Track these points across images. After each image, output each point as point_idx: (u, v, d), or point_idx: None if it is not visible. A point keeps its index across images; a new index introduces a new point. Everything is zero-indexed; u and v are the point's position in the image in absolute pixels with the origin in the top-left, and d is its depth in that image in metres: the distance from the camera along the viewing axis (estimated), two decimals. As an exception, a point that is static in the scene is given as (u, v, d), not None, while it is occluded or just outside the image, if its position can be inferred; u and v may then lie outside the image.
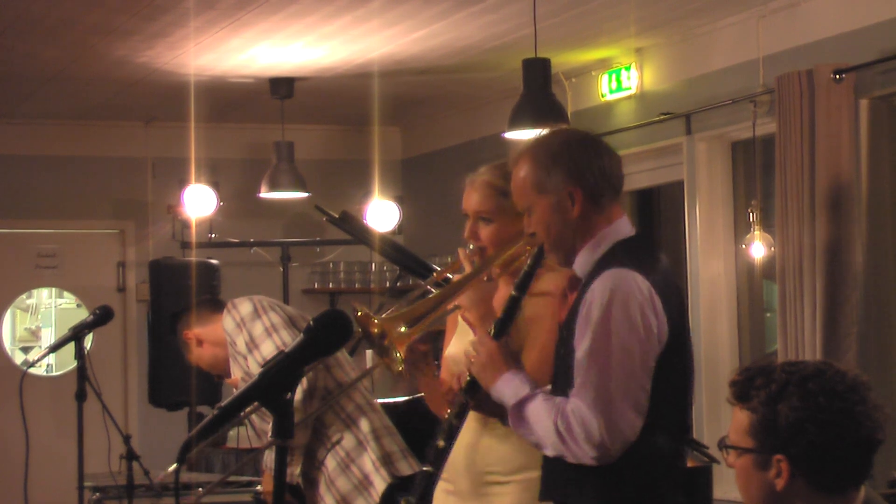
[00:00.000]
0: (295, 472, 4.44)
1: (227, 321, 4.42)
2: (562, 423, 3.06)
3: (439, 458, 3.36)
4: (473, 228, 3.70)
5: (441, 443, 3.35)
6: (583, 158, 3.19)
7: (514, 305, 3.29)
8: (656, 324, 3.07)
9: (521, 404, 3.14)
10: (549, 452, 3.13)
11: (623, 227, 3.22)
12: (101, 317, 4.32)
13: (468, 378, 3.31)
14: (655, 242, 3.32)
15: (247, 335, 4.34)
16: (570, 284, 3.34)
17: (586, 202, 3.17)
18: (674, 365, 3.14)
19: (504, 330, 3.28)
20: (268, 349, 4.29)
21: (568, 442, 3.06)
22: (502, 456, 3.64)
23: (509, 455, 3.58)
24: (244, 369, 4.39)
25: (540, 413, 3.11)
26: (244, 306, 4.42)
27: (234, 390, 4.28)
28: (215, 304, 4.55)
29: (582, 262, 3.21)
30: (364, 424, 4.50)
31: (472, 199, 3.77)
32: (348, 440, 4.46)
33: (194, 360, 4.55)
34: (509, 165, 3.38)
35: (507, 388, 3.17)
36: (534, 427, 3.12)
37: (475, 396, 3.31)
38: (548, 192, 3.19)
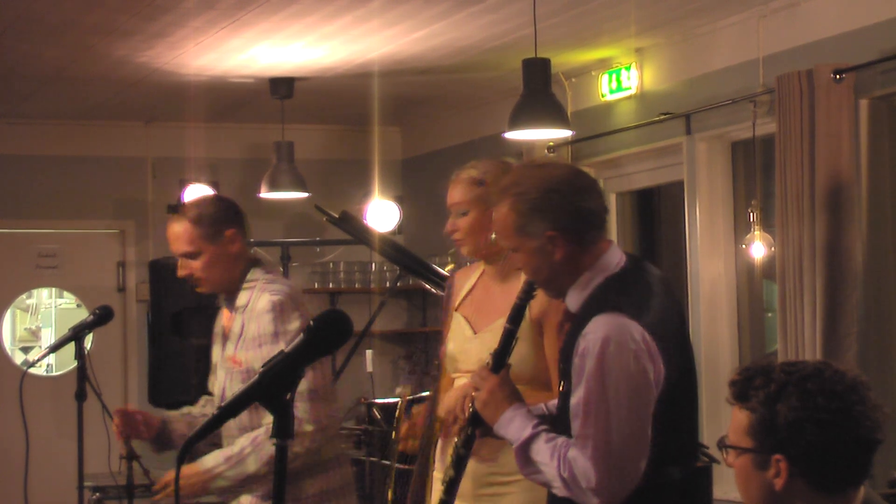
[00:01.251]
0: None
1: (268, 319, 4.08)
2: (565, 471, 3.07)
3: (451, 488, 3.40)
4: (453, 222, 3.90)
5: (451, 472, 3.40)
6: (562, 204, 3.16)
7: (509, 338, 3.32)
8: (653, 369, 3.05)
9: (525, 446, 3.15)
10: (558, 493, 3.13)
11: (611, 259, 3.19)
12: (102, 317, 4.30)
13: (471, 409, 3.34)
14: (645, 271, 3.23)
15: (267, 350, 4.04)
16: (564, 317, 3.38)
17: (569, 244, 3.16)
18: (678, 400, 3.13)
19: (502, 363, 3.30)
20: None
21: (573, 488, 3.07)
22: (504, 457, 3.65)
23: (511, 456, 3.59)
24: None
25: (545, 456, 3.11)
26: (294, 322, 4.07)
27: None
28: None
29: (573, 301, 3.21)
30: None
31: (453, 194, 3.94)
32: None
33: (204, 255, 4.12)
34: (493, 184, 3.44)
35: (510, 428, 3.18)
36: (541, 468, 3.13)
37: (481, 426, 3.33)
38: (529, 236, 3.18)
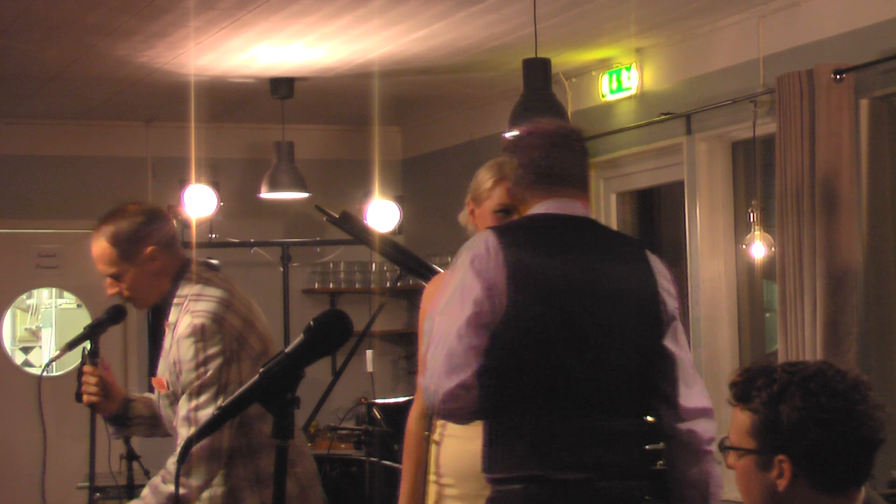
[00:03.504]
0: None
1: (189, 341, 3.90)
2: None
3: None
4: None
5: None
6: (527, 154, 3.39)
7: None
8: (490, 279, 3.17)
9: None
10: None
11: (540, 210, 3.40)
12: (115, 315, 4.25)
13: None
14: (557, 223, 3.32)
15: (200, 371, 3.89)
16: None
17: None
18: (532, 337, 3.17)
19: None
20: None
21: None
22: None
23: None
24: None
25: None
26: (213, 347, 3.88)
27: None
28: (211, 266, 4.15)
29: None
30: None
31: (505, 193, 3.81)
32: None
33: (127, 275, 3.99)
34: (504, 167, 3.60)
35: None
36: None
37: None
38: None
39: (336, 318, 2.53)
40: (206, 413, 3.80)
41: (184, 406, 3.87)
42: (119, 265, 4.00)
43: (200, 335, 3.87)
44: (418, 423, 3.94)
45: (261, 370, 2.48)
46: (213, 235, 9.01)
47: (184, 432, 3.84)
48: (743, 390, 2.48)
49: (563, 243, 3.28)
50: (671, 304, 3.35)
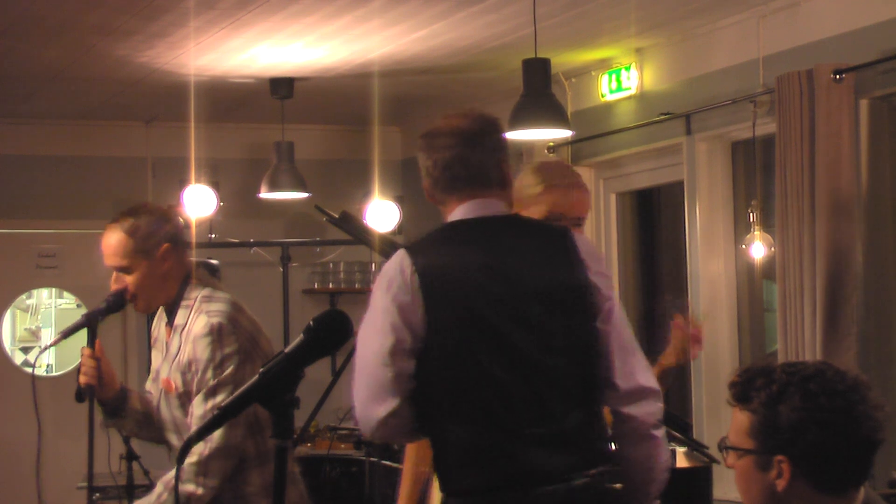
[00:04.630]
0: None
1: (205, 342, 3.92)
2: None
3: None
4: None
5: None
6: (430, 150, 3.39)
7: None
8: (408, 302, 3.17)
9: None
10: None
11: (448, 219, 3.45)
12: (114, 304, 4.23)
13: None
14: (456, 231, 3.38)
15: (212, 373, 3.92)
16: None
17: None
18: (455, 354, 3.16)
19: None
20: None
21: None
22: None
23: None
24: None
25: None
26: (230, 346, 3.91)
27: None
28: (212, 269, 4.24)
29: None
30: None
31: (585, 202, 3.81)
32: None
33: (138, 270, 4.00)
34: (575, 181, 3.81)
35: None
36: None
37: None
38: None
39: (336, 319, 2.53)
40: None
41: (199, 406, 3.88)
42: (132, 258, 4.01)
43: (218, 335, 3.89)
44: None
45: (260, 370, 2.48)
46: (213, 235, 9.01)
47: None
48: (742, 391, 2.48)
49: (479, 251, 3.25)
50: (604, 286, 3.27)
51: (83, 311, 9.45)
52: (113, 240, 4.03)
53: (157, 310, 4.18)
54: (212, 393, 3.87)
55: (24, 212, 9.34)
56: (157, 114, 9.18)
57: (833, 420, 2.39)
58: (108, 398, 4.10)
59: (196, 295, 4.01)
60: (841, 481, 2.44)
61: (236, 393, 2.52)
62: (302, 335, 2.49)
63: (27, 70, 7.66)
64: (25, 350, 10.40)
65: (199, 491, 3.83)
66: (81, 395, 4.05)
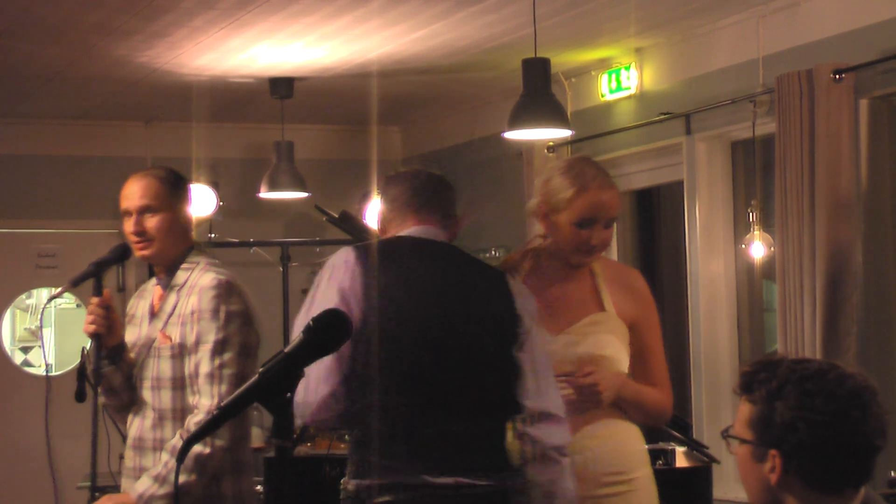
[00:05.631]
0: None
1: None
2: None
3: None
4: (599, 235, 3.77)
5: None
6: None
7: None
8: (347, 287, 3.34)
9: None
10: None
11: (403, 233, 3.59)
12: (120, 254, 4.27)
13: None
14: (404, 245, 3.61)
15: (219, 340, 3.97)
16: None
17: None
18: (372, 353, 3.31)
19: None
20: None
21: None
22: (622, 458, 3.67)
23: (630, 456, 3.67)
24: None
25: None
26: (235, 305, 4.01)
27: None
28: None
29: None
30: None
31: (615, 201, 3.80)
32: None
33: (162, 214, 4.09)
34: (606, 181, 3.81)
35: None
36: None
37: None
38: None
39: (336, 318, 2.53)
40: (231, 372, 3.89)
41: (206, 363, 3.91)
42: (161, 199, 4.09)
43: (226, 290, 3.99)
44: None
45: (260, 370, 2.48)
46: (213, 235, 9.01)
47: (207, 389, 3.90)
48: (747, 381, 2.52)
49: (420, 261, 3.44)
50: (528, 320, 3.47)
51: (83, 311, 9.49)
52: (143, 181, 4.13)
53: (137, 289, 4.27)
54: (219, 351, 3.92)
55: (24, 212, 9.34)
56: (157, 114, 9.18)
57: (825, 423, 2.41)
58: (115, 342, 4.15)
59: (200, 259, 4.11)
60: (835, 482, 2.45)
61: (235, 392, 2.53)
62: (302, 335, 2.50)
63: (27, 70, 7.66)
64: (25, 350, 10.40)
65: (207, 450, 3.86)
66: (82, 394, 4.06)
